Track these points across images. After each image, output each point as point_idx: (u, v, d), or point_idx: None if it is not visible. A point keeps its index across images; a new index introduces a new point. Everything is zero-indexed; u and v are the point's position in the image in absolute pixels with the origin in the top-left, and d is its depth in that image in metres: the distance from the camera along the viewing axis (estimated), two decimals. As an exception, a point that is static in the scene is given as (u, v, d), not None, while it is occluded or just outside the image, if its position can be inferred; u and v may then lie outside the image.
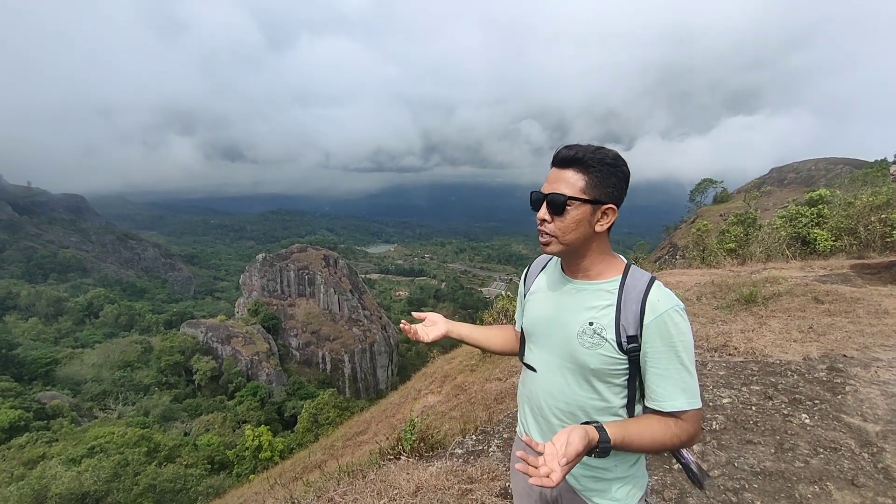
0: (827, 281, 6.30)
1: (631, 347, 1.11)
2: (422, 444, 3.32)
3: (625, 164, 1.12)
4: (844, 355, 3.86)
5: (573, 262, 1.22)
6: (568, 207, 1.11)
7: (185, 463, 21.03)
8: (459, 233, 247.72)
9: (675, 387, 1.08)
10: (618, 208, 1.14)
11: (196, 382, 46.73)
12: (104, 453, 17.83)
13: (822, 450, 2.65)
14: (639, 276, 1.16)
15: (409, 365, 57.19)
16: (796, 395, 3.26)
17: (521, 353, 1.41)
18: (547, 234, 1.16)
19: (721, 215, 23.80)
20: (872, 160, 26.38)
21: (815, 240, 8.72)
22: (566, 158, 1.12)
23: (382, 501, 2.53)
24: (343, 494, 2.73)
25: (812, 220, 9.24)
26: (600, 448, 1.02)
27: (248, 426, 28.44)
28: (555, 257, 1.33)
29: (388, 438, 3.63)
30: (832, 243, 8.49)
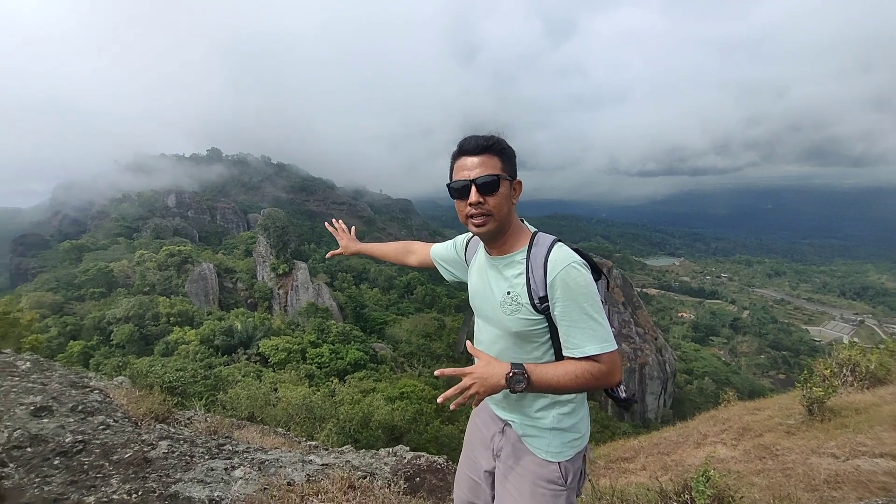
0: None
1: (543, 307, 1.26)
2: (716, 505, 2.75)
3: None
4: None
5: (497, 238, 1.35)
6: (500, 186, 1.27)
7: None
8: (777, 250, 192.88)
9: (583, 335, 1.22)
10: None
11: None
12: (408, 400, 21.85)
13: None
14: (542, 241, 1.31)
15: (686, 400, 48.47)
16: None
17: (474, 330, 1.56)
18: (484, 214, 1.27)
19: None
20: None
21: None
22: (480, 147, 1.28)
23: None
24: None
25: None
26: (514, 374, 1.15)
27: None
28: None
29: (672, 481, 3.30)
30: None
